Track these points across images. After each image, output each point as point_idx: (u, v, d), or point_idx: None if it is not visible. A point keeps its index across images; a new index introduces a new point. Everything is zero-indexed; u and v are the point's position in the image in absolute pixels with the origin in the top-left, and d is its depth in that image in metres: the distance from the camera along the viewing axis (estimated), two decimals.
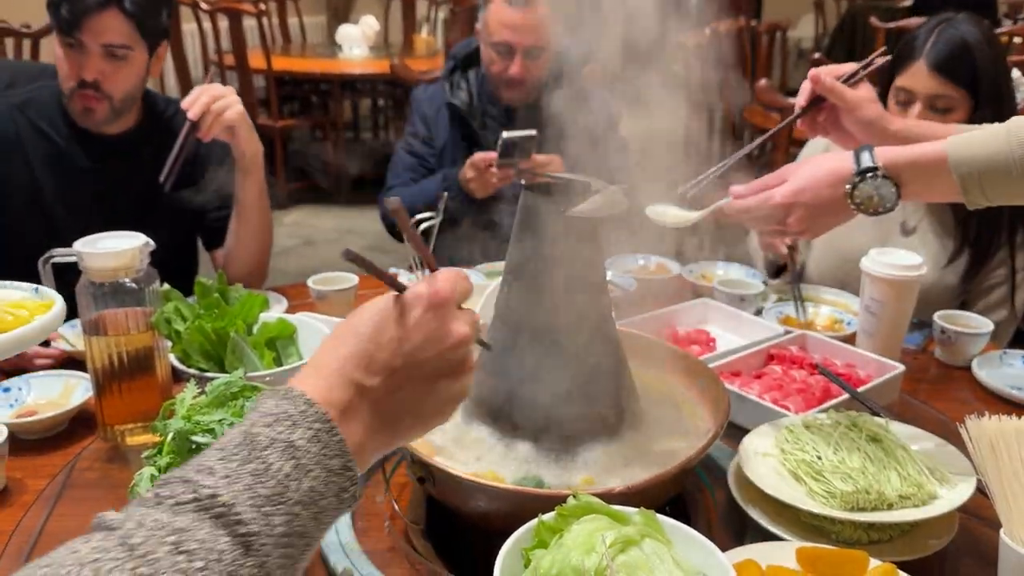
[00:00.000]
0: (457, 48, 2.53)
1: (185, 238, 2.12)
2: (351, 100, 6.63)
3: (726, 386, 1.21)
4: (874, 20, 4.72)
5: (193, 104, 1.75)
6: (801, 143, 2.39)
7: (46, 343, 1.56)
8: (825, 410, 1.31)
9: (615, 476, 1.09)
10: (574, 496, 0.89)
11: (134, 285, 1.27)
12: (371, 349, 0.75)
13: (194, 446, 0.94)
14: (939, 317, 1.71)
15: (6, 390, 1.45)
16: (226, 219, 2.01)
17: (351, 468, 0.71)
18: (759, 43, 4.66)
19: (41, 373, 1.50)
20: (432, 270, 0.83)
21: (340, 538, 1.11)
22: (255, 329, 1.40)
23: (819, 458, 1.15)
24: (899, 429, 1.23)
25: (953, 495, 1.10)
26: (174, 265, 1.85)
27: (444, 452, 1.13)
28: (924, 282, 1.80)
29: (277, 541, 0.64)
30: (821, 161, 1.24)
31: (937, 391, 1.61)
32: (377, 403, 0.75)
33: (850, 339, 1.70)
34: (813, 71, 1.39)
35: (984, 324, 1.70)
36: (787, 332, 1.70)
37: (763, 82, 2.80)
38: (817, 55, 3.61)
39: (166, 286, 1.33)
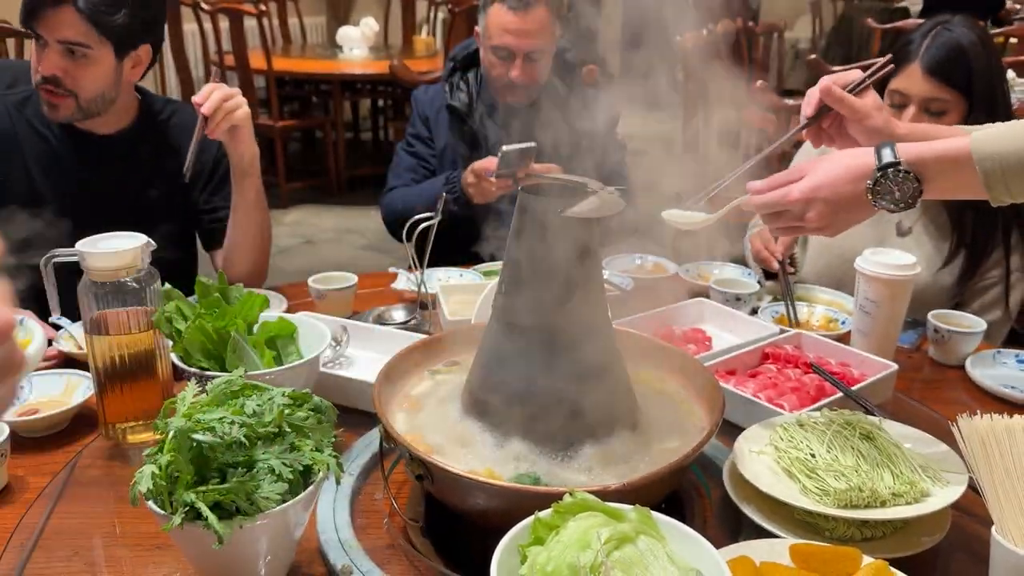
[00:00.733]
0: (457, 50, 2.54)
1: (183, 239, 2.13)
2: (351, 100, 6.64)
3: (721, 384, 1.23)
4: (870, 22, 4.73)
5: (206, 100, 1.76)
6: (796, 144, 2.39)
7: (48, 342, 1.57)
8: (819, 408, 1.33)
9: (611, 474, 1.10)
10: (570, 493, 0.91)
11: (135, 285, 1.29)
12: None
13: (195, 444, 0.95)
14: (933, 316, 1.73)
15: None
16: (224, 219, 2.02)
17: None
18: (756, 44, 4.67)
19: (43, 372, 1.51)
20: None
21: (339, 535, 1.12)
22: (255, 328, 1.41)
23: (813, 456, 1.16)
24: (892, 428, 1.24)
25: (945, 493, 1.12)
26: (173, 266, 1.86)
27: (442, 450, 1.15)
28: (919, 283, 1.81)
29: None
30: (840, 156, 1.22)
31: (931, 390, 1.63)
32: None
33: (844, 338, 1.71)
34: (824, 82, 1.37)
35: (977, 323, 1.71)
36: (782, 331, 1.71)
37: (760, 83, 2.81)
38: (813, 56, 3.62)
39: (167, 285, 1.34)
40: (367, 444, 1.33)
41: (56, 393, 1.47)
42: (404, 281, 1.98)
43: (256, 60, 5.33)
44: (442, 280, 1.97)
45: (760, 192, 1.24)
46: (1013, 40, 4.35)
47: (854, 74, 1.39)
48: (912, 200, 1.16)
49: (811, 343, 1.66)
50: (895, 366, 1.54)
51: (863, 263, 1.65)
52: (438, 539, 1.17)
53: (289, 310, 1.79)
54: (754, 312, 1.88)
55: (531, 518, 0.89)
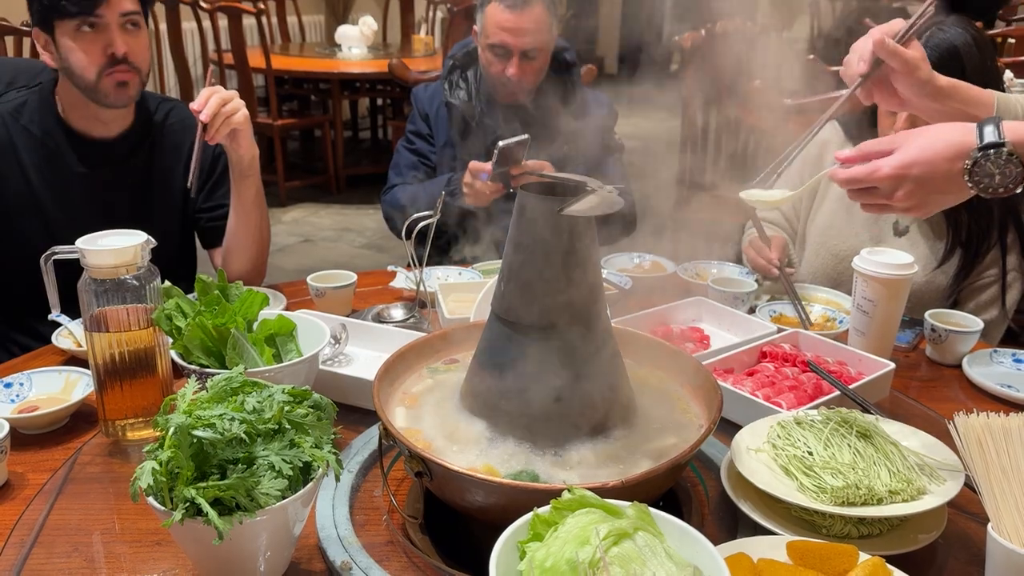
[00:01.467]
0: (455, 48, 2.55)
1: (182, 239, 2.13)
2: (350, 99, 6.64)
3: (719, 383, 1.23)
4: (868, 22, 4.74)
5: (204, 106, 1.76)
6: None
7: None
8: (816, 407, 1.33)
9: (609, 471, 1.10)
10: (569, 490, 0.91)
11: (135, 282, 1.29)
12: None
13: (195, 440, 0.96)
14: (930, 316, 1.73)
15: (8, 385, 1.46)
16: (222, 219, 2.02)
17: None
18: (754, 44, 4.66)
19: (42, 368, 1.51)
20: None
21: (339, 531, 1.13)
22: (255, 326, 1.41)
23: (810, 454, 1.16)
24: (889, 426, 1.25)
25: (942, 491, 1.12)
26: (172, 265, 1.86)
27: (440, 447, 1.15)
28: (916, 282, 1.81)
29: None
30: (938, 131, 1.13)
31: (927, 389, 1.63)
32: None
33: (842, 337, 1.72)
34: (875, 34, 1.30)
35: (974, 323, 1.72)
36: (780, 330, 1.72)
37: (757, 83, 2.81)
38: (811, 56, 3.63)
39: (167, 283, 1.34)
40: (366, 441, 1.34)
41: (56, 390, 1.48)
42: (403, 279, 1.98)
43: (255, 59, 5.34)
44: (441, 278, 1.98)
45: (848, 164, 1.15)
46: (1011, 41, 4.36)
47: (898, 24, 1.32)
48: (1014, 185, 1.07)
49: (808, 342, 1.66)
50: (892, 365, 1.54)
51: (860, 262, 1.65)
52: (437, 536, 1.18)
53: (288, 308, 1.80)
54: (752, 311, 1.88)
55: (530, 514, 0.90)
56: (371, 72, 5.96)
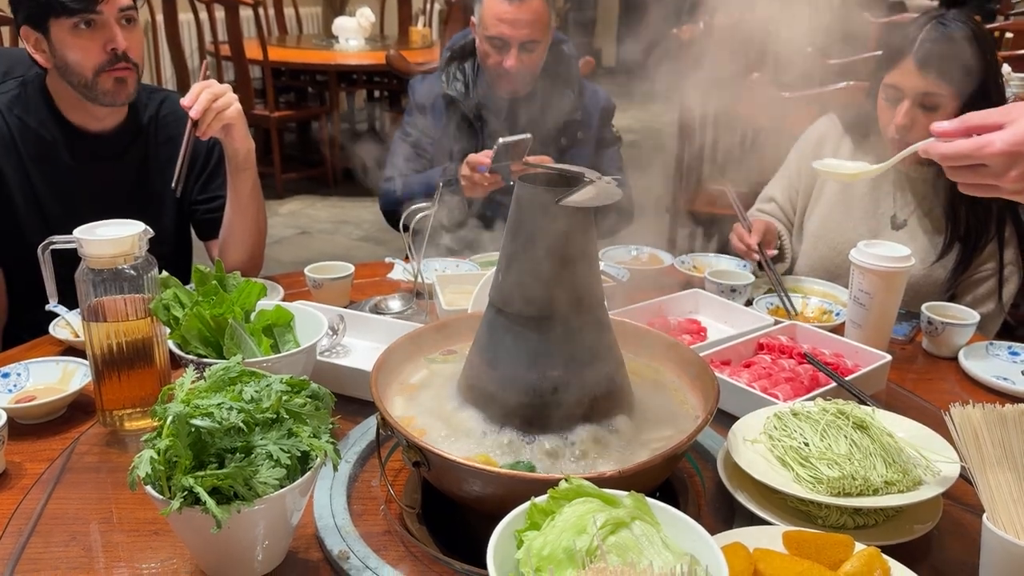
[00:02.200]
0: (453, 39, 2.54)
1: (178, 232, 2.12)
2: (347, 91, 6.63)
3: (716, 374, 1.23)
4: (867, 15, 4.73)
5: (194, 102, 1.74)
6: (793, 137, 2.40)
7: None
8: (813, 398, 1.33)
9: (606, 461, 1.11)
10: (566, 480, 0.91)
11: (133, 272, 1.29)
12: None
13: (193, 429, 0.96)
14: (927, 308, 1.74)
15: (5, 375, 1.46)
16: (218, 211, 2.02)
17: None
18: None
19: (40, 359, 1.51)
20: None
21: (336, 521, 1.13)
22: (253, 316, 1.41)
23: (806, 444, 1.17)
24: (885, 417, 1.25)
25: (937, 481, 1.13)
26: (169, 258, 1.86)
27: (438, 437, 1.15)
28: (914, 275, 1.81)
29: None
30: None
31: (924, 381, 1.64)
32: None
33: (839, 330, 1.72)
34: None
35: (971, 315, 1.72)
36: (777, 322, 1.72)
37: (755, 75, 2.81)
38: (809, 50, 3.62)
39: (164, 273, 1.34)
40: (364, 432, 1.34)
41: (53, 380, 1.48)
42: (401, 271, 1.98)
43: (252, 50, 5.32)
44: (438, 270, 1.98)
45: (949, 137, 1.02)
46: (1009, 35, 4.36)
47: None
48: None
49: (805, 334, 1.67)
50: (888, 357, 1.55)
51: (857, 255, 1.66)
52: (434, 525, 1.18)
53: (285, 300, 1.80)
54: (749, 303, 1.88)
55: (527, 503, 0.90)
56: (368, 64, 5.95)
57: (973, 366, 1.63)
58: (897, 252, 1.64)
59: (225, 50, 5.30)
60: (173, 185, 1.75)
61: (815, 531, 1.03)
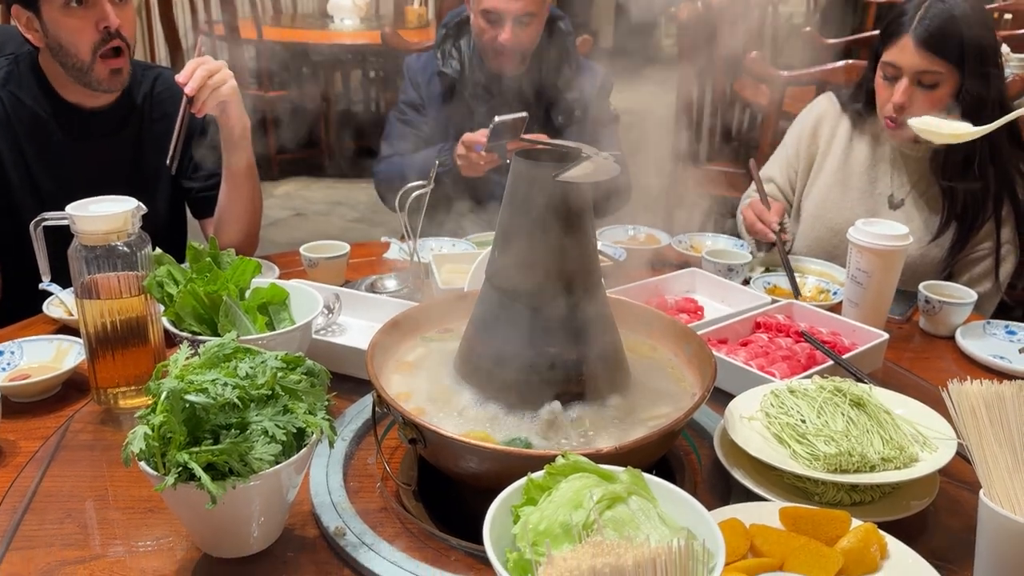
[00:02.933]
0: (449, 16, 2.52)
1: (172, 210, 2.11)
2: (342, 71, 6.58)
3: (713, 352, 1.23)
4: None
5: (189, 79, 1.73)
6: (791, 117, 2.39)
7: None
8: (810, 376, 1.33)
9: (603, 437, 1.10)
10: (563, 456, 0.91)
11: (126, 249, 1.28)
12: None
13: (188, 405, 0.95)
14: (924, 287, 1.73)
15: None
16: (213, 189, 2.00)
17: None
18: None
19: (33, 337, 1.50)
20: None
21: (332, 498, 1.13)
22: (248, 294, 1.40)
23: (803, 421, 1.16)
24: (882, 395, 1.25)
25: (934, 458, 1.13)
26: (163, 236, 1.84)
27: (434, 414, 1.15)
28: (911, 255, 1.81)
29: None
30: None
31: (921, 360, 1.64)
32: None
33: (836, 308, 1.72)
34: None
35: (968, 294, 1.72)
36: (774, 301, 1.72)
37: (754, 54, 2.80)
38: (808, 29, 3.61)
39: (158, 250, 1.33)
40: (360, 410, 1.33)
41: (47, 358, 1.47)
42: (396, 251, 1.97)
43: (246, 30, 5.28)
44: (434, 249, 1.97)
45: None
46: (1008, 16, 4.34)
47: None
48: None
49: (802, 313, 1.66)
50: (886, 336, 1.55)
51: (855, 233, 1.65)
52: (430, 502, 1.18)
53: (281, 279, 1.79)
54: (746, 283, 1.88)
55: (524, 479, 0.90)
56: (363, 44, 5.90)
57: (970, 345, 1.63)
58: (895, 230, 1.63)
59: (219, 29, 5.26)
60: (168, 162, 1.73)
61: (812, 507, 1.03)
